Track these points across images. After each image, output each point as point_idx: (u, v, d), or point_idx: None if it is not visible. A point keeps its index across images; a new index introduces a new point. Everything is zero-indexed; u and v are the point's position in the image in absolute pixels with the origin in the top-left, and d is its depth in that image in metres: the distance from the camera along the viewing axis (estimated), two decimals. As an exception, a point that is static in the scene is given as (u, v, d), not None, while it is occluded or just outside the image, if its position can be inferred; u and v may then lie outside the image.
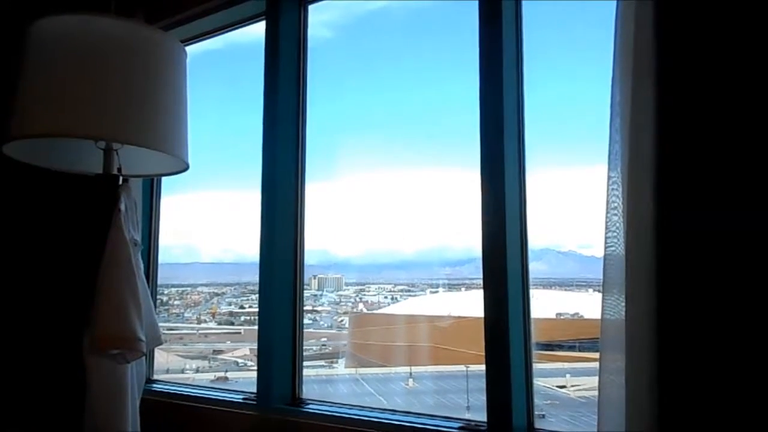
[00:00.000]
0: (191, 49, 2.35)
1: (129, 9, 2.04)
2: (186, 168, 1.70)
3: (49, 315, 2.15)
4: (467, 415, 1.69)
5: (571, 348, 2.12)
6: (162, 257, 2.48)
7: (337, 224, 2.34)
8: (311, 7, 2.17)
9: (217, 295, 2.91)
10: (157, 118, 1.56)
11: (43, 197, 2.22)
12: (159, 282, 2.51)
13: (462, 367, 2.16)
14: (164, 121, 1.57)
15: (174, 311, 2.90)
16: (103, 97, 1.49)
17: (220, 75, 2.69)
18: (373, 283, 2.64)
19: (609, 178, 1.20)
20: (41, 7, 1.62)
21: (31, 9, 1.71)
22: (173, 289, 2.91)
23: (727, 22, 1.14)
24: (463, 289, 2.31)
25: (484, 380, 1.57)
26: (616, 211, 1.19)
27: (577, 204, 1.83)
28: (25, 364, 2.15)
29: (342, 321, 2.63)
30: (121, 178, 1.64)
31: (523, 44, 1.67)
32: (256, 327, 2.08)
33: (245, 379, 2.44)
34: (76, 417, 1.53)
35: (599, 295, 1.20)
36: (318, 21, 2.23)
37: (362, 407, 1.83)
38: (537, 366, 1.60)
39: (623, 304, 1.14)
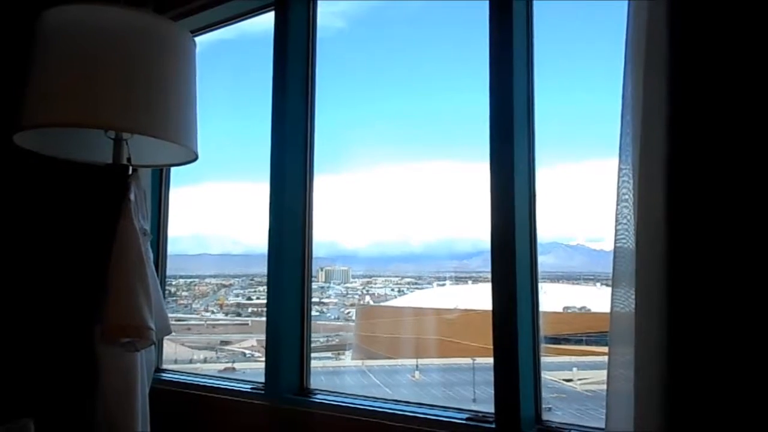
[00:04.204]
0: (202, 39, 2.36)
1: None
2: (195, 158, 1.70)
3: (59, 304, 2.16)
4: (473, 408, 1.70)
5: (579, 342, 2.12)
6: (171, 248, 2.49)
7: (345, 216, 2.34)
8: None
9: (225, 286, 2.92)
10: (166, 109, 1.56)
11: (53, 187, 2.23)
12: (168, 273, 2.52)
13: (469, 360, 2.16)
14: (173, 111, 1.58)
15: (182, 302, 2.91)
16: (113, 87, 1.49)
17: (231, 65, 2.69)
18: (380, 276, 2.64)
19: (620, 170, 1.19)
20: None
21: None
22: (182, 280, 2.92)
23: (739, 17, 1.13)
24: (470, 282, 2.31)
25: (490, 373, 1.57)
26: (626, 204, 1.18)
27: (585, 198, 1.83)
28: (36, 354, 2.16)
29: (349, 313, 2.64)
30: (130, 168, 1.64)
31: (533, 38, 1.66)
32: (263, 318, 2.08)
33: (252, 370, 2.46)
34: (88, 404, 1.54)
35: (607, 289, 1.20)
36: (331, 11, 2.22)
37: (369, 398, 1.83)
38: (544, 359, 1.60)
39: (633, 297, 1.14)
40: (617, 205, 1.20)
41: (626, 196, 1.19)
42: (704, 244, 1.12)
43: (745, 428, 1.07)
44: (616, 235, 1.19)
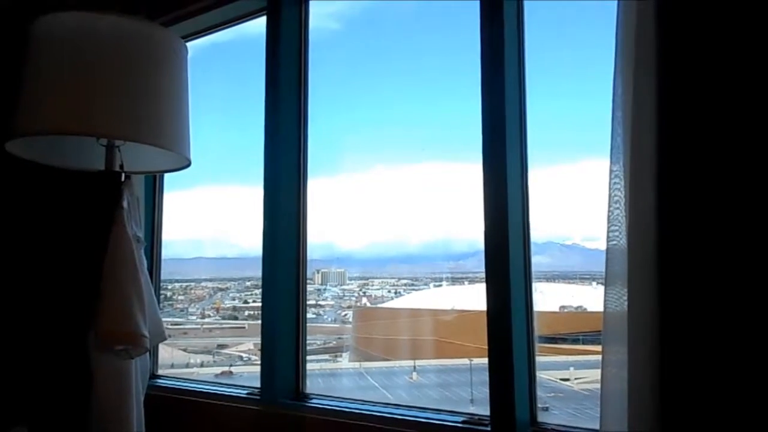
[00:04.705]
0: (197, 43, 2.35)
1: (130, 6, 2.04)
2: (188, 164, 1.70)
3: (53, 312, 2.16)
4: (471, 408, 1.70)
5: (575, 341, 2.12)
6: (166, 252, 2.49)
7: (341, 219, 2.34)
8: (315, 1, 2.15)
9: (220, 290, 2.92)
10: (158, 115, 1.56)
11: (45, 194, 2.22)
12: (163, 277, 2.52)
13: (465, 361, 2.17)
14: (166, 117, 1.58)
15: (178, 306, 2.91)
16: (105, 95, 1.49)
17: (225, 69, 2.69)
18: (376, 278, 2.64)
19: (611, 171, 1.20)
20: (43, 5, 1.62)
21: (34, 6, 1.71)
22: (177, 284, 2.92)
23: (728, 16, 1.13)
24: (466, 282, 2.31)
25: (487, 373, 1.57)
26: (618, 205, 1.19)
27: (581, 197, 1.83)
28: (30, 361, 2.16)
29: (346, 315, 2.64)
30: (123, 175, 1.64)
31: (524, 39, 1.66)
32: (259, 322, 2.08)
33: (249, 374, 2.45)
34: (82, 412, 1.54)
35: (603, 288, 1.20)
36: (325, 12, 2.22)
37: (366, 402, 1.83)
38: (540, 359, 1.60)
39: (626, 296, 1.14)
40: (609, 206, 1.20)
41: (617, 197, 1.19)
42: (695, 244, 1.12)
43: (737, 427, 1.08)
44: (608, 236, 1.19)
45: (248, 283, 2.82)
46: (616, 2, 1.21)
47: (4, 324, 2.17)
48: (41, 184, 2.15)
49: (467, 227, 1.99)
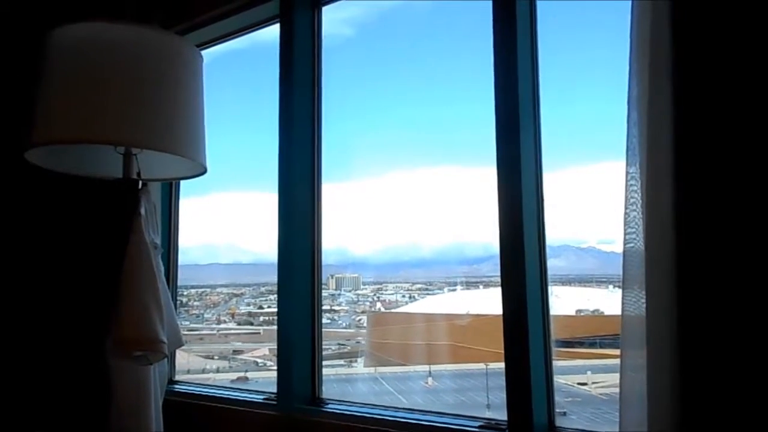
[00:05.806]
0: (212, 50, 2.38)
1: (145, 15, 2.07)
2: (204, 171, 1.72)
3: (72, 319, 2.18)
4: (487, 414, 1.69)
5: (592, 345, 2.10)
6: (181, 259, 2.51)
7: (355, 223, 2.35)
8: (331, 5, 2.17)
9: (236, 295, 2.94)
10: (174, 123, 1.58)
11: (64, 202, 2.25)
12: (179, 283, 2.54)
13: (481, 365, 2.16)
14: (182, 125, 1.59)
15: (194, 312, 2.93)
16: (122, 103, 1.51)
17: (239, 76, 2.71)
18: (390, 282, 2.64)
19: (627, 173, 1.19)
20: (59, 16, 1.65)
21: (50, 18, 1.74)
22: (193, 290, 2.94)
23: (744, 14, 1.12)
24: (481, 286, 2.30)
25: (503, 378, 1.56)
26: (635, 207, 1.18)
27: (596, 200, 1.82)
28: (50, 368, 2.18)
29: (360, 320, 2.64)
30: (140, 183, 1.66)
31: (537, 40, 1.66)
32: (275, 327, 2.09)
33: (265, 379, 2.46)
34: (101, 418, 1.55)
35: (620, 292, 1.19)
36: (338, 18, 2.23)
37: (382, 407, 1.83)
38: (557, 363, 1.59)
39: (644, 299, 1.13)
40: (625, 208, 1.19)
41: (634, 199, 1.18)
42: (713, 245, 1.11)
43: (758, 430, 1.06)
44: (625, 238, 1.18)
45: (263, 289, 2.83)
46: (630, 2, 1.21)
47: (24, 330, 2.20)
48: (60, 192, 2.18)
49: (481, 231, 1.99)
